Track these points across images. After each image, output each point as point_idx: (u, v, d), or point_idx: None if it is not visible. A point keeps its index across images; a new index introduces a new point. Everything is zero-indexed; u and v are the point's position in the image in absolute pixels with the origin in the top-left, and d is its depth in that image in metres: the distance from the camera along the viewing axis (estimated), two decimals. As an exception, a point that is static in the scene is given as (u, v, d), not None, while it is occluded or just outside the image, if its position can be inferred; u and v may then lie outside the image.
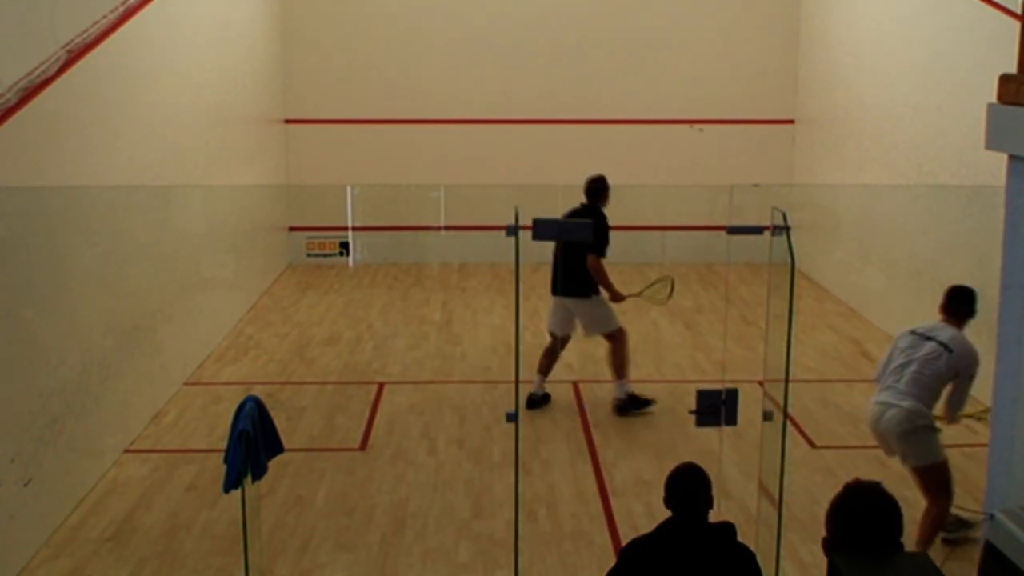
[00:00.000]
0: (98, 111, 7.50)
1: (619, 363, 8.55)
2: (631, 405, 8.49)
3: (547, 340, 9.89)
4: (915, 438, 5.94)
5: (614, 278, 8.71)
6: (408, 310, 11.89)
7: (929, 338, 6.06)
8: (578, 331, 8.77)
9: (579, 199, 8.72)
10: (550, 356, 8.77)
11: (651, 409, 8.51)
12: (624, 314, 11.62)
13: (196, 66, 9.95)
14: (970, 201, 9.10)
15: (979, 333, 8.59)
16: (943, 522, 5.93)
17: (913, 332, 6.17)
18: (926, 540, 5.78)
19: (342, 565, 6.16)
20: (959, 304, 6.19)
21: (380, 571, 6.10)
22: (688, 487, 4.02)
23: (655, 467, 7.38)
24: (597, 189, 8.61)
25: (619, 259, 13.66)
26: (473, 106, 13.92)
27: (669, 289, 8.70)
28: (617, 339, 8.59)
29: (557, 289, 8.64)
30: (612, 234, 8.65)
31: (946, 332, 6.08)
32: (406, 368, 9.79)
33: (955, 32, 9.52)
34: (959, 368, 5.96)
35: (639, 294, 8.78)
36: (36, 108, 6.35)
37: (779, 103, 14.06)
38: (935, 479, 5.94)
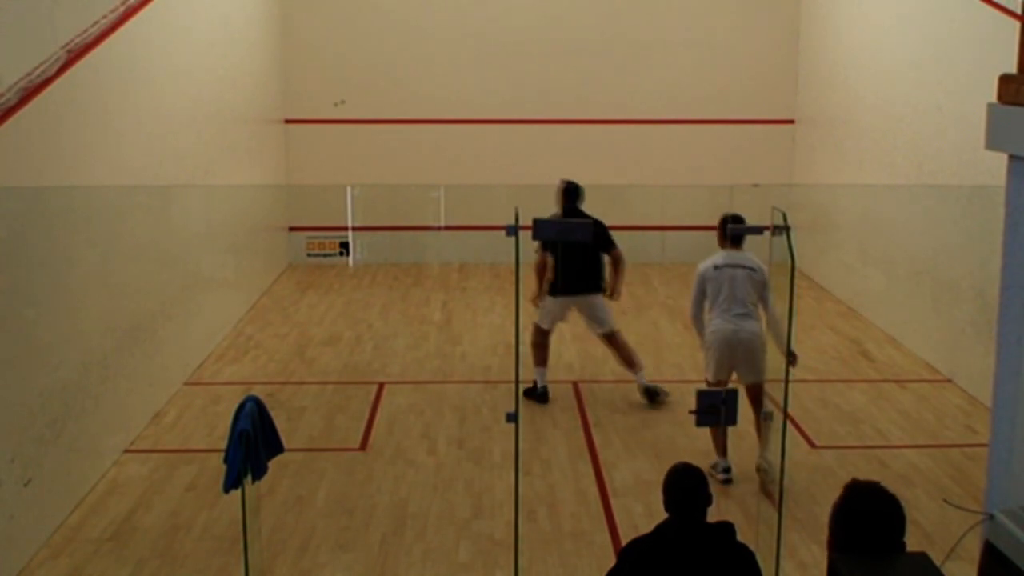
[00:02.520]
0: (98, 111, 7.50)
1: (629, 355, 8.77)
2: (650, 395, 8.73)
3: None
4: (762, 355, 6.95)
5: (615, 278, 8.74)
6: (408, 310, 11.89)
7: (737, 266, 7.20)
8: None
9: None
10: (545, 348, 8.85)
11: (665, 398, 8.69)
12: (624, 314, 11.64)
13: (196, 66, 9.95)
14: (970, 201, 9.10)
15: (979, 333, 8.61)
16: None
17: (718, 267, 7.28)
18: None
19: (342, 565, 6.16)
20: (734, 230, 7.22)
21: (380, 571, 6.10)
22: (684, 487, 4.02)
23: (655, 467, 7.38)
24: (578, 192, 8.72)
25: (619, 259, 13.73)
26: (473, 106, 13.92)
27: None
28: (618, 334, 8.81)
29: (574, 287, 8.64)
30: (613, 234, 8.73)
31: (743, 257, 7.23)
32: (406, 368, 9.79)
33: (955, 32, 9.52)
34: (765, 280, 7.10)
35: None
36: (36, 108, 6.35)
37: (779, 103, 14.06)
38: (761, 392, 7.02)
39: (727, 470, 7.15)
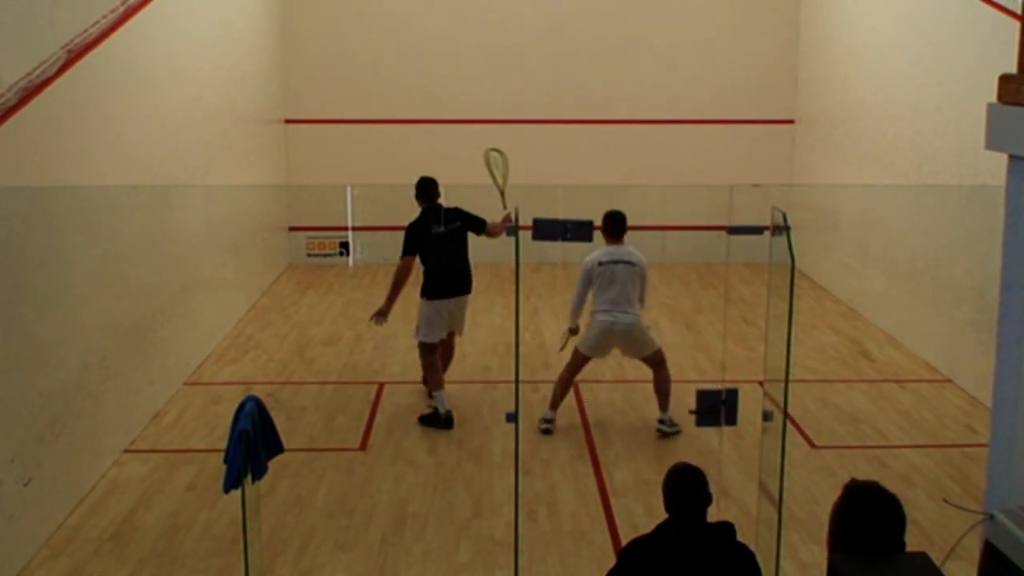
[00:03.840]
0: (98, 111, 7.49)
1: (438, 371, 8.45)
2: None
3: (547, 341, 9.91)
4: (645, 336, 8.08)
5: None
6: (408, 310, 11.85)
7: (619, 262, 7.93)
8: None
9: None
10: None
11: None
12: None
13: (196, 66, 9.95)
14: (970, 201, 9.10)
15: (979, 333, 8.61)
16: (669, 379, 8.13)
17: (602, 263, 7.92)
18: (666, 396, 8.05)
19: (342, 565, 6.16)
20: (615, 226, 8.06)
21: (380, 571, 6.10)
22: (684, 487, 4.01)
23: (655, 467, 7.38)
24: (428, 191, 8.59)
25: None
26: (473, 106, 13.92)
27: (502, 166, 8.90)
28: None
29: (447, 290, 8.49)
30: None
31: (625, 251, 8.00)
32: (406, 368, 9.78)
33: (955, 32, 9.52)
34: (644, 272, 8.02)
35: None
36: (36, 108, 6.35)
37: (779, 103, 14.06)
38: (658, 358, 8.12)
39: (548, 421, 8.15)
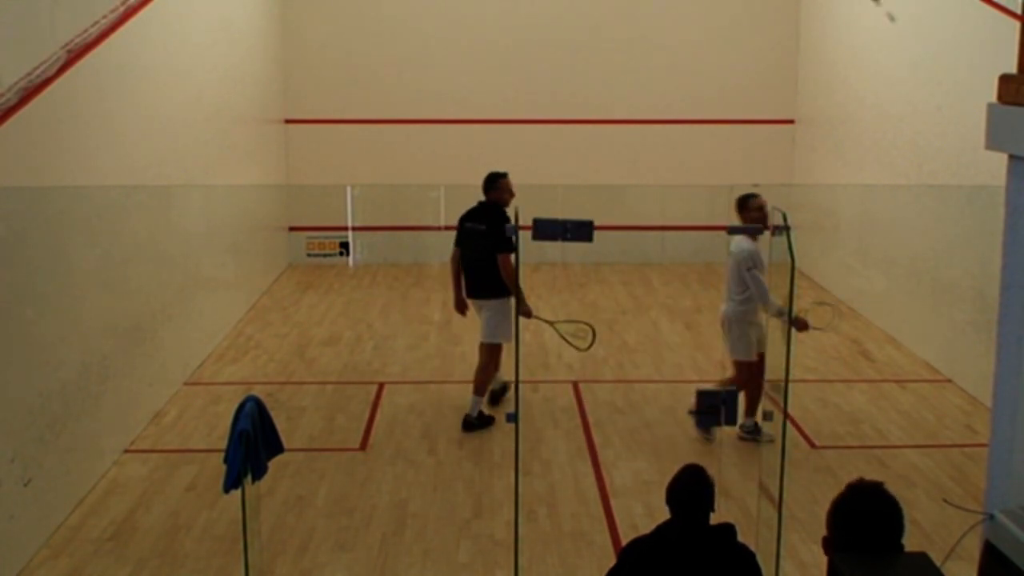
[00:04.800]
0: (98, 111, 7.50)
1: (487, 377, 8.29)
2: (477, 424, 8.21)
3: (547, 342, 9.89)
4: (729, 335, 7.63)
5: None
6: (408, 310, 11.90)
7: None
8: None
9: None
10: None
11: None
12: (624, 313, 11.66)
13: (196, 66, 9.95)
14: (970, 201, 9.10)
15: (979, 333, 8.61)
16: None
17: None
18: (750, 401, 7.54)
19: (342, 565, 6.16)
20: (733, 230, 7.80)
21: (380, 571, 6.10)
22: (691, 488, 4.01)
23: (655, 467, 7.38)
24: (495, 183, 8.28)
25: (619, 259, 13.75)
26: (473, 106, 13.92)
27: (590, 339, 8.16)
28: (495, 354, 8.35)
29: (472, 291, 8.33)
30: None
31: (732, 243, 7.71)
32: (406, 368, 9.79)
33: (955, 32, 9.52)
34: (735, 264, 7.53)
35: (552, 323, 8.43)
36: (36, 108, 6.35)
37: (779, 103, 14.06)
38: (736, 368, 7.61)
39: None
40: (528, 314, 8.14)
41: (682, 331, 10.92)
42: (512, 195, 8.22)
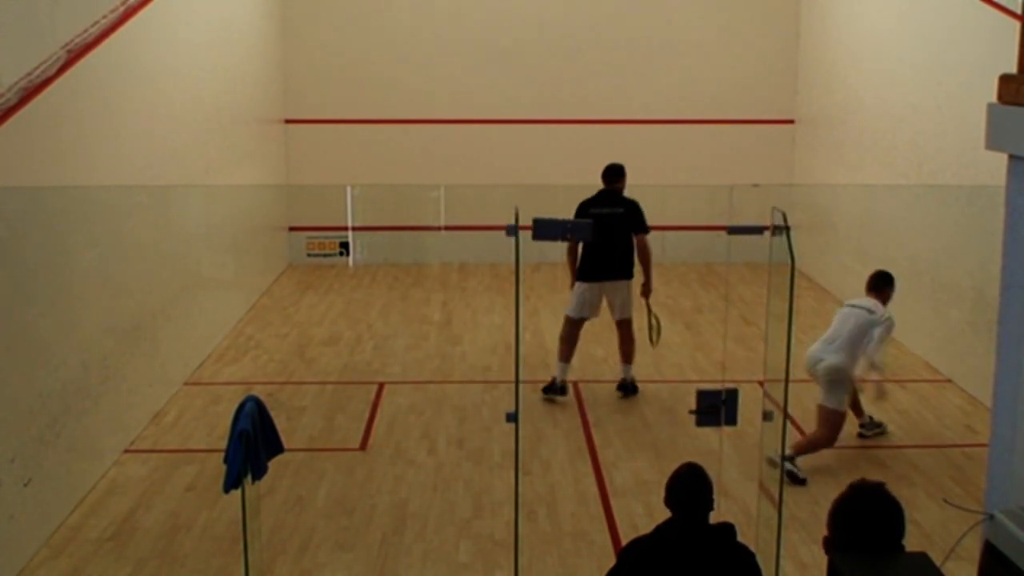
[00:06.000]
0: (98, 111, 7.50)
1: (631, 347, 8.89)
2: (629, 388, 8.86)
3: (547, 342, 9.90)
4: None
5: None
6: (408, 310, 11.90)
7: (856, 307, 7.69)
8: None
9: (579, 199, 8.73)
10: (572, 342, 8.86)
11: None
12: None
13: (196, 66, 9.95)
14: (970, 201, 9.10)
15: (979, 333, 8.61)
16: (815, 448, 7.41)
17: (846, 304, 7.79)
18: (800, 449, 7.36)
19: (342, 565, 6.16)
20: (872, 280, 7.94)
21: (380, 571, 6.10)
22: (690, 487, 4.01)
23: (655, 467, 7.39)
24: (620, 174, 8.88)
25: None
26: (473, 106, 13.92)
27: (656, 333, 9.07)
28: (631, 324, 8.92)
29: (606, 273, 8.71)
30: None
31: (867, 303, 7.73)
32: (406, 368, 9.79)
33: (955, 32, 9.52)
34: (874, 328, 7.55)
35: (652, 312, 9.05)
36: (36, 108, 6.35)
37: (779, 103, 14.06)
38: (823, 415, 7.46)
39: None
40: (650, 294, 8.90)
41: (682, 331, 10.92)
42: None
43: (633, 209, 8.68)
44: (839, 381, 7.35)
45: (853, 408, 7.86)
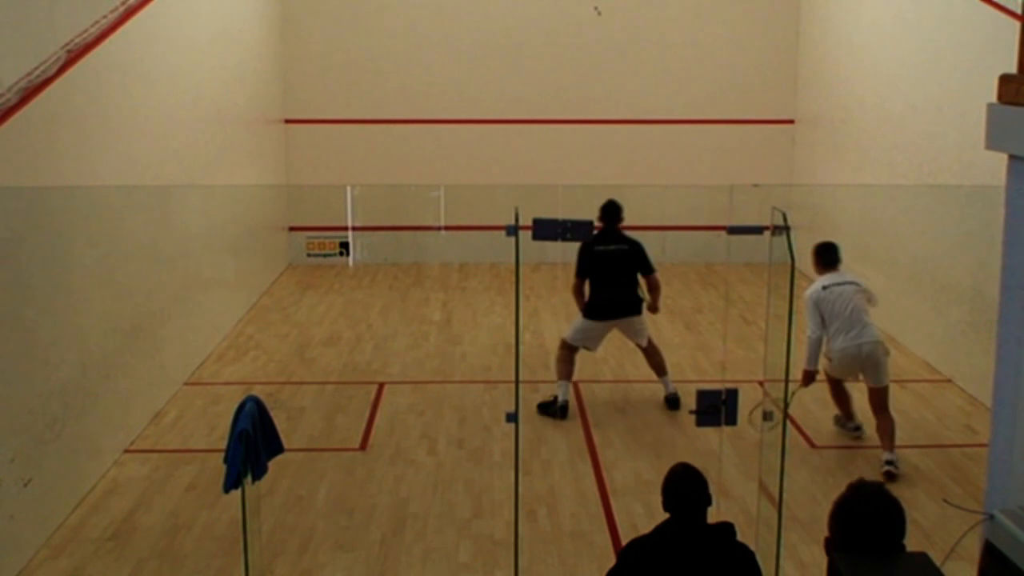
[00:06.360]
0: (98, 111, 7.50)
1: (659, 362, 8.76)
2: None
3: (547, 342, 9.90)
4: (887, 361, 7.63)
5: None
6: (408, 310, 11.90)
7: (846, 283, 7.75)
8: None
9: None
10: (570, 363, 8.66)
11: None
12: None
13: (196, 66, 9.95)
14: (970, 201, 9.09)
15: (979, 333, 8.61)
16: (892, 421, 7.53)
17: (826, 287, 7.70)
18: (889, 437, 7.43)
19: (342, 565, 6.16)
20: (831, 255, 7.97)
21: (380, 571, 6.10)
22: (685, 487, 4.01)
23: (655, 467, 7.38)
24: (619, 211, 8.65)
25: (619, 259, 13.72)
26: (473, 106, 13.92)
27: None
28: (652, 342, 8.84)
29: (615, 312, 8.56)
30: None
31: (848, 276, 7.86)
32: (406, 368, 9.79)
33: (955, 32, 9.52)
34: (870, 295, 7.77)
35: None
36: (36, 108, 6.35)
37: (779, 103, 14.06)
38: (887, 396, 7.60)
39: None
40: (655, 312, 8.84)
41: (682, 331, 10.92)
42: None
43: (638, 249, 8.56)
44: (887, 353, 7.57)
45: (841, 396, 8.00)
